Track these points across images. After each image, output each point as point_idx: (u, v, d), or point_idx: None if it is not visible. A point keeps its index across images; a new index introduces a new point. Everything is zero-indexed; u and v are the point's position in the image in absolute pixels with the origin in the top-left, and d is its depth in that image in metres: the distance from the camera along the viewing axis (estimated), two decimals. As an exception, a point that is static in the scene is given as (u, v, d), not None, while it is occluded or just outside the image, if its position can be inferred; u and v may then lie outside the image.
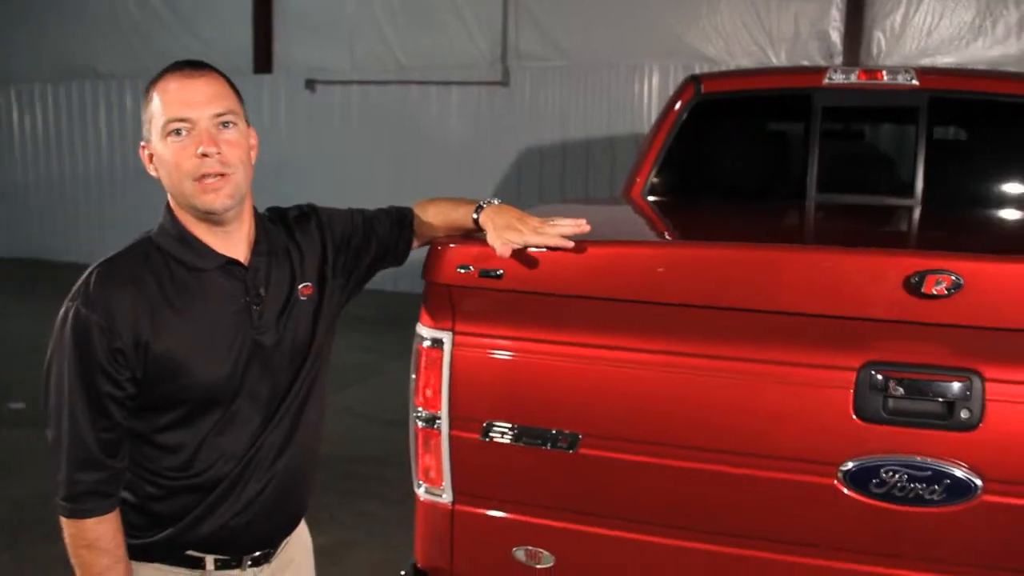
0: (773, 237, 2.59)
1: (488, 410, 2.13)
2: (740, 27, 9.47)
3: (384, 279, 2.47)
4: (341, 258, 2.03)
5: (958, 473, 1.86)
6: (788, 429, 1.94)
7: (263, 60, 11.29)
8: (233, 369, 1.79)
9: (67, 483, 1.73)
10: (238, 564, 1.89)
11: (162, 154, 1.74)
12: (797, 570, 2.01)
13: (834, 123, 4.02)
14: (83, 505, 1.73)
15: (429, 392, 2.17)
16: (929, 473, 1.87)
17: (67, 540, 1.76)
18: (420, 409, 2.19)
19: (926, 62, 8.99)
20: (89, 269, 1.75)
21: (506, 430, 2.11)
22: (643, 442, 2.03)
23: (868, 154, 4.41)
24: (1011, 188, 3.61)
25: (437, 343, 2.14)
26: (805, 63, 9.20)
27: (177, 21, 11.48)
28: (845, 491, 1.92)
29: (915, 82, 3.72)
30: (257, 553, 1.92)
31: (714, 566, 2.06)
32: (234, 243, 1.83)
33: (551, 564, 2.17)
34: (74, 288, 1.74)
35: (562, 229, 2.02)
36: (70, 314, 1.71)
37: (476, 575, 2.27)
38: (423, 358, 2.17)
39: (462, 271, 2.12)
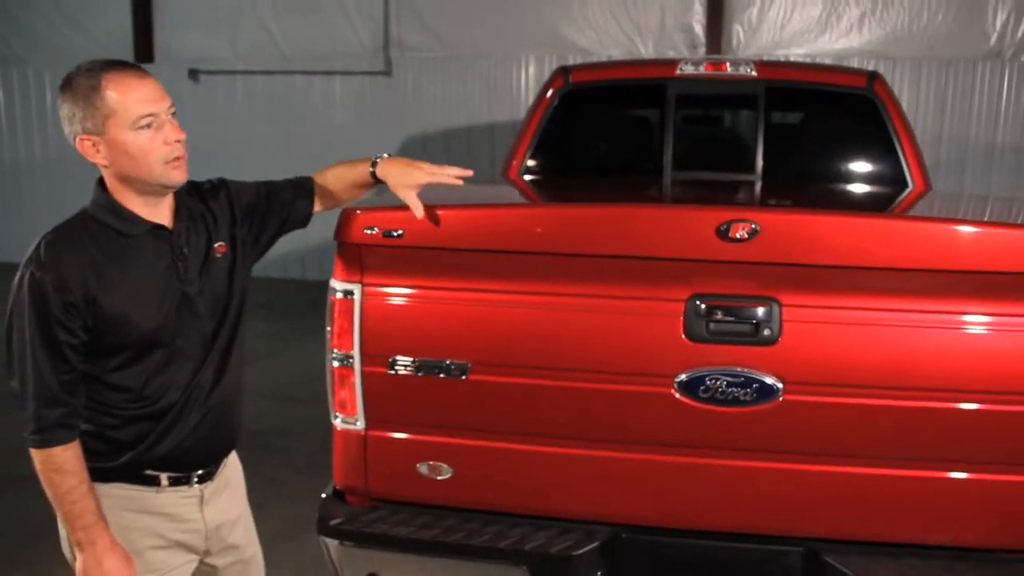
0: (621, 199, 3.08)
1: (393, 348, 2.56)
2: (610, 19, 9.97)
3: (273, 266, 2.82)
4: (247, 222, 2.38)
5: (765, 379, 2.40)
6: (634, 350, 2.44)
7: (144, 50, 11.16)
8: (167, 316, 2.13)
9: (35, 419, 2.04)
10: (187, 481, 2.25)
11: (127, 143, 2.05)
12: (645, 464, 2.52)
13: (686, 109, 4.53)
14: (50, 436, 2.04)
15: (343, 336, 2.58)
16: (743, 379, 2.40)
17: (38, 468, 2.07)
18: (335, 351, 2.60)
19: (780, 54, 9.73)
20: (36, 240, 2.07)
21: (408, 363, 2.54)
22: (520, 366, 2.50)
23: (716, 136, 4.97)
24: (834, 162, 4.21)
25: (349, 293, 2.56)
26: (671, 54, 9.79)
27: (56, 10, 11.30)
28: (679, 397, 2.43)
29: (754, 73, 4.28)
30: (201, 471, 2.27)
31: (581, 465, 2.56)
32: (161, 211, 2.18)
33: (450, 475, 2.62)
34: (25, 256, 2.04)
35: (451, 171, 2.51)
36: (26, 278, 2.02)
37: (386, 490, 2.70)
38: (337, 307, 2.58)
39: (368, 232, 2.54)
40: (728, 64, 4.41)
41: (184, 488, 2.25)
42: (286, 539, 4.07)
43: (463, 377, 2.52)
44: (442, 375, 2.53)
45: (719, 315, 2.40)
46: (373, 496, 2.71)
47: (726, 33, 9.84)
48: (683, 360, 2.42)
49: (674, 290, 2.42)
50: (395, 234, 2.52)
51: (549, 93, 4.34)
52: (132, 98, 2.05)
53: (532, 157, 4.21)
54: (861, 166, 4.17)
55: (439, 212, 2.52)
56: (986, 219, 2.82)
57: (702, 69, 4.34)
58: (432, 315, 2.54)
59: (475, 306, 2.51)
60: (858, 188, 4.03)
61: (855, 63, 9.19)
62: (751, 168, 4.05)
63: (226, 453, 2.38)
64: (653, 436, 2.50)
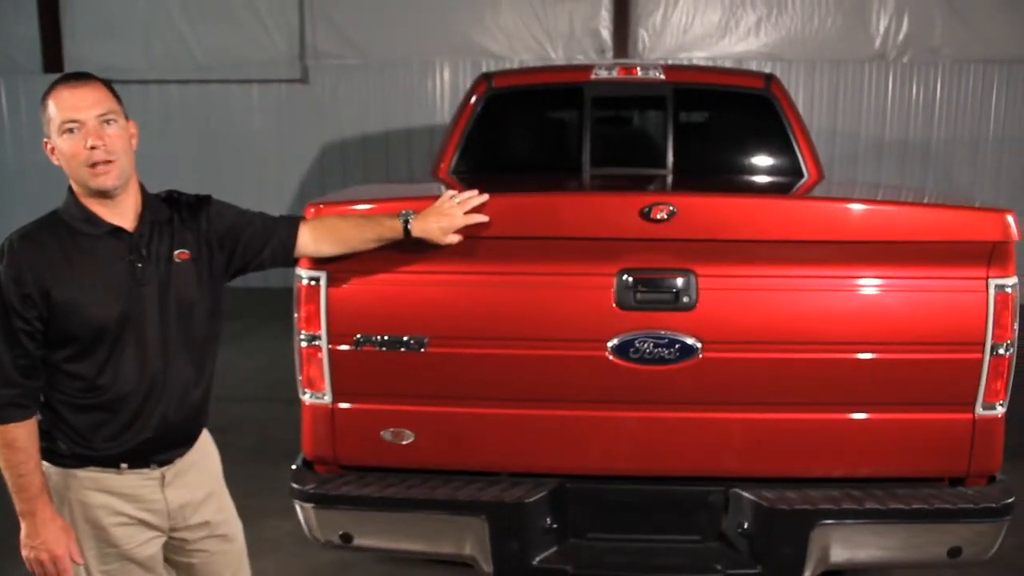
0: (557, 189, 3.43)
1: (357, 327, 2.85)
2: (521, 26, 10.30)
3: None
4: (224, 241, 2.50)
5: (686, 339, 2.77)
6: (573, 319, 2.80)
7: (53, 59, 10.94)
8: (118, 311, 2.27)
9: None
10: (146, 464, 2.39)
11: (61, 147, 2.24)
12: (585, 420, 2.88)
13: (601, 110, 4.87)
14: (4, 413, 2.23)
15: (311, 318, 2.86)
16: (667, 341, 2.77)
17: None
18: (303, 332, 2.87)
19: (683, 57, 10.22)
20: (7, 236, 2.27)
21: (371, 340, 2.84)
22: (472, 338, 2.83)
23: (630, 134, 5.33)
24: (737, 156, 4.62)
25: (315, 280, 2.83)
26: (581, 58, 10.19)
27: (-42, 19, 11.07)
28: (612, 359, 2.79)
29: (662, 76, 4.67)
30: (160, 457, 2.41)
31: (528, 424, 2.90)
32: (121, 212, 2.32)
33: (412, 440, 2.93)
34: None
35: (473, 203, 2.74)
36: None
37: (353, 457, 2.99)
38: (304, 293, 2.85)
39: (333, 223, 2.82)
40: (639, 68, 4.80)
41: (145, 471, 2.39)
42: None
43: (421, 350, 2.83)
44: (402, 349, 2.83)
45: (644, 286, 2.77)
46: (341, 464, 3.00)
47: (632, 38, 10.27)
48: (615, 326, 2.78)
49: (605, 266, 2.78)
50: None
51: (473, 98, 4.65)
52: (60, 105, 2.23)
53: (460, 158, 4.49)
54: (761, 159, 4.59)
55: (393, 205, 2.83)
56: (866, 199, 3.23)
57: (615, 73, 4.72)
58: (391, 296, 2.84)
59: (430, 287, 2.83)
60: (760, 178, 4.46)
61: (754, 65, 9.71)
62: (662, 163, 4.43)
63: (187, 444, 2.50)
64: (591, 394, 2.85)
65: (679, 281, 2.76)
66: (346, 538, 2.93)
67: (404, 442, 2.93)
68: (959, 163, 10.02)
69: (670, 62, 9.78)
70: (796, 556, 2.82)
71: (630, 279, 2.77)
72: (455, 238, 2.73)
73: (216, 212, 2.53)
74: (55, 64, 11.01)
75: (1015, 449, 3.49)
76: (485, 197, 2.77)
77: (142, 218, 2.37)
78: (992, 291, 2.75)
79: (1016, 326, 2.80)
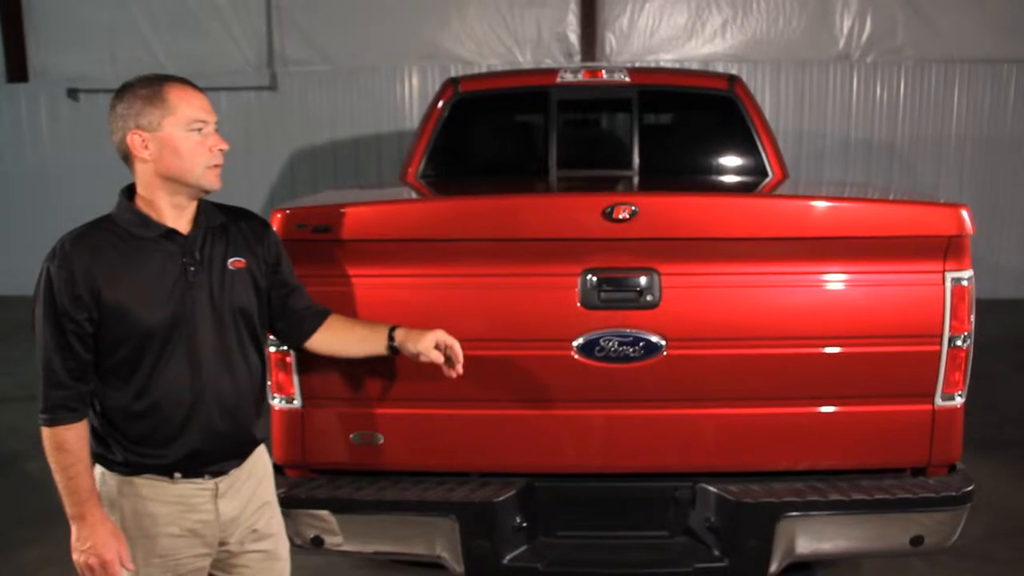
0: (520, 192, 3.46)
1: (325, 331, 2.86)
2: (489, 31, 10.38)
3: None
4: (269, 275, 2.49)
5: (650, 337, 2.81)
6: (538, 319, 2.83)
7: (17, 68, 10.95)
8: (169, 314, 2.26)
9: (43, 399, 2.22)
10: (200, 475, 2.35)
11: (182, 143, 2.24)
12: (552, 419, 2.91)
13: (567, 113, 4.92)
14: (54, 416, 2.21)
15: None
16: (631, 339, 2.81)
17: (44, 444, 2.23)
18: (272, 337, 2.88)
19: (650, 59, 10.33)
20: (60, 238, 2.25)
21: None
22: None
23: (596, 136, 5.39)
24: (703, 156, 4.68)
25: (282, 285, 2.84)
26: (549, 62, 10.27)
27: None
28: (578, 358, 2.83)
29: (627, 79, 4.72)
30: (215, 467, 2.37)
31: (496, 424, 2.93)
32: (180, 216, 2.33)
33: (381, 442, 2.95)
34: (48, 252, 2.23)
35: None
36: (44, 272, 2.21)
37: (324, 460, 3.00)
38: (271, 298, 2.86)
39: (299, 228, 2.84)
40: (604, 71, 4.85)
41: (198, 480, 2.36)
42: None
43: (388, 353, 2.84)
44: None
45: (608, 285, 2.81)
46: (312, 467, 3.01)
47: (599, 41, 10.37)
48: (580, 326, 2.82)
49: (569, 266, 2.81)
50: (324, 229, 2.83)
51: (440, 103, 4.69)
52: (190, 103, 2.26)
53: (428, 162, 4.53)
54: (726, 158, 4.65)
55: (361, 209, 2.85)
56: (824, 196, 3.29)
57: (580, 76, 4.77)
58: (359, 298, 2.85)
59: (397, 289, 2.85)
60: (724, 177, 4.52)
61: (720, 67, 9.83)
62: (628, 164, 4.49)
63: (241, 457, 2.45)
64: (557, 394, 2.88)
65: (642, 280, 2.80)
66: (318, 541, 2.94)
67: (374, 444, 2.95)
68: (923, 161, 10.20)
69: (637, 65, 9.86)
70: (762, 549, 2.87)
71: (594, 279, 2.80)
72: (432, 352, 2.60)
73: (274, 241, 2.55)
74: (19, 73, 10.99)
75: (976, 439, 3.58)
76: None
77: (197, 223, 2.37)
78: (949, 284, 2.81)
79: (973, 318, 2.86)
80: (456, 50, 10.43)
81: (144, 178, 2.30)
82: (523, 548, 2.94)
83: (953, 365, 2.86)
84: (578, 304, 2.81)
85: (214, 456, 2.37)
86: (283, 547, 2.59)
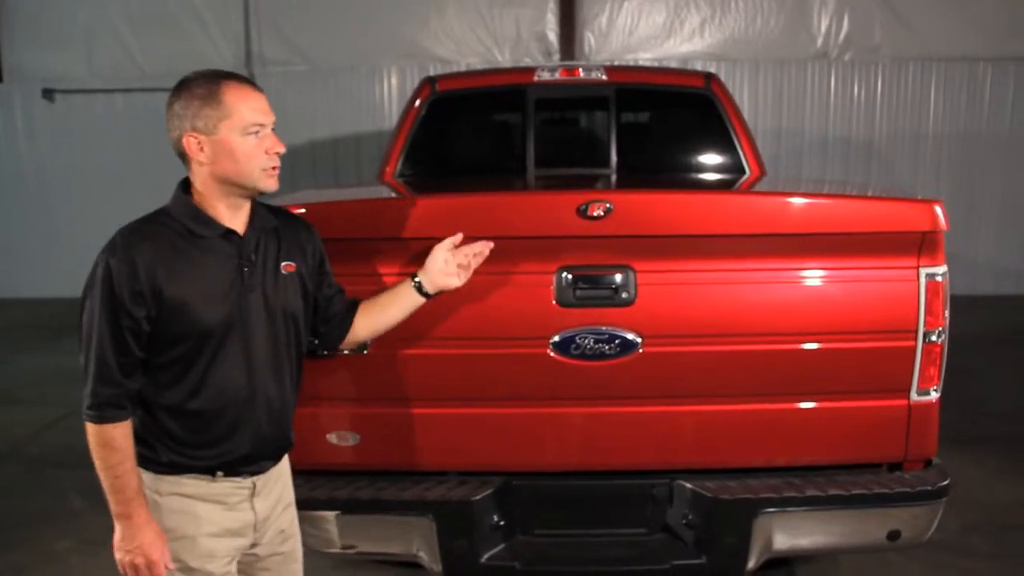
0: (495, 190, 3.45)
1: (300, 330, 2.84)
2: (468, 30, 10.37)
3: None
4: (315, 273, 2.49)
5: (626, 335, 2.81)
6: (513, 318, 2.82)
7: (-9, 68, 10.89)
8: (226, 314, 2.23)
9: (92, 395, 2.17)
10: (239, 473, 2.34)
11: (235, 145, 2.20)
12: (528, 417, 2.90)
13: (545, 112, 4.93)
14: (103, 413, 2.17)
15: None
16: (607, 336, 2.80)
17: (90, 441, 2.19)
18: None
19: (629, 58, 10.34)
20: (117, 231, 2.20)
21: (314, 344, 2.82)
22: (415, 338, 2.83)
23: (573, 135, 5.39)
24: (680, 154, 4.68)
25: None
26: (528, 61, 10.26)
27: None
28: (554, 356, 2.82)
29: (604, 77, 4.72)
30: (251, 467, 2.36)
31: (473, 423, 2.91)
32: (238, 217, 2.30)
33: (358, 442, 2.93)
34: (105, 245, 2.18)
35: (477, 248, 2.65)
36: (100, 264, 2.15)
37: (300, 460, 2.95)
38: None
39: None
40: (581, 69, 4.84)
41: (237, 479, 2.35)
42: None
43: (364, 352, 2.83)
44: (345, 352, 2.83)
45: (584, 283, 2.80)
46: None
47: (578, 40, 10.38)
48: (555, 323, 2.81)
49: (544, 264, 2.80)
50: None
51: (417, 102, 4.67)
52: (248, 106, 2.21)
53: (405, 161, 4.51)
54: (703, 156, 4.65)
55: (335, 207, 2.83)
56: (798, 193, 3.29)
57: (557, 75, 4.76)
58: (333, 299, 2.83)
59: (372, 288, 2.81)
60: (702, 174, 4.52)
61: (699, 65, 9.87)
62: (606, 163, 4.48)
63: (277, 458, 2.47)
64: (534, 392, 2.87)
65: (618, 277, 2.80)
66: (295, 542, 2.92)
67: (351, 444, 2.93)
68: (901, 158, 10.27)
69: (615, 63, 9.88)
70: (740, 545, 2.87)
71: (569, 276, 2.80)
72: (465, 275, 2.65)
73: (318, 244, 2.52)
74: (-7, 73, 10.86)
75: (953, 435, 3.61)
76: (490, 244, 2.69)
77: (252, 223, 2.34)
78: (923, 280, 2.82)
79: (947, 313, 2.87)
80: (435, 49, 10.42)
81: (200, 178, 2.27)
82: (501, 547, 2.93)
83: (928, 360, 2.87)
84: (553, 302, 2.80)
85: (256, 460, 2.37)
86: (300, 549, 2.60)
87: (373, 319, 2.64)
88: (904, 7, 9.99)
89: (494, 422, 2.91)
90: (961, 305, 3.08)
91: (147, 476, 2.28)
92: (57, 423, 6.17)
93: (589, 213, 2.72)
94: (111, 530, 2.25)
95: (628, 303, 2.80)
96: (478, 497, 2.86)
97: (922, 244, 2.82)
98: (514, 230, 2.80)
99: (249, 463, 2.35)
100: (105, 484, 2.21)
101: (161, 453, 2.28)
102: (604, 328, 2.80)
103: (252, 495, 2.38)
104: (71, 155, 10.67)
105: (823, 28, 10.17)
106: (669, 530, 2.97)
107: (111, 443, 2.18)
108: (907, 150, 10.27)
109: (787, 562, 3.89)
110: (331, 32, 10.38)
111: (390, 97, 10.52)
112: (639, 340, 2.81)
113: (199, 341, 2.23)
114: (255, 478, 2.38)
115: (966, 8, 9.89)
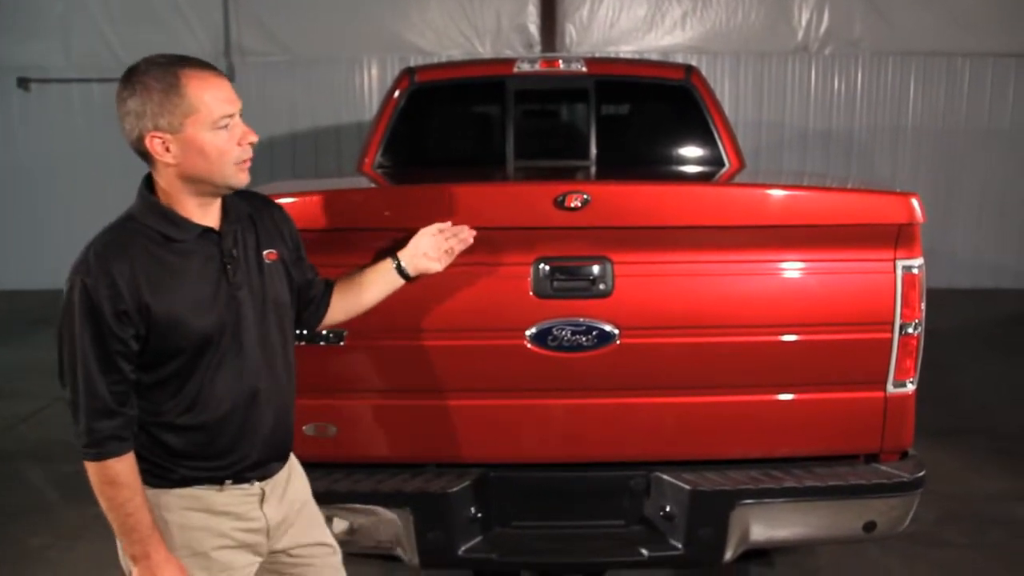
0: (472, 180, 3.39)
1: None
2: (448, 21, 10.33)
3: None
4: (294, 257, 2.34)
5: (603, 326, 2.80)
6: (490, 309, 2.80)
7: (-35, 57, 10.73)
8: (218, 318, 2.06)
9: (87, 432, 1.97)
10: (247, 480, 2.20)
11: (205, 143, 1.99)
12: (505, 409, 2.89)
13: (524, 103, 4.89)
14: (105, 449, 1.98)
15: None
16: (584, 328, 2.79)
17: (92, 480, 2.01)
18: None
19: (610, 51, 10.33)
20: (85, 247, 1.98)
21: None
22: (391, 330, 2.81)
23: (553, 126, 5.37)
24: (660, 146, 4.69)
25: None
26: (509, 53, 10.22)
27: None
28: (531, 347, 2.81)
29: (584, 69, 4.72)
30: (259, 471, 2.22)
31: (450, 414, 2.89)
32: (209, 213, 2.10)
33: (335, 433, 2.91)
34: (74, 264, 1.95)
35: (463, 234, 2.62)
36: (76, 287, 1.93)
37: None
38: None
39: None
40: (561, 61, 4.84)
41: (245, 486, 2.20)
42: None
43: (340, 343, 2.81)
44: (321, 343, 2.81)
45: (561, 274, 2.79)
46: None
47: (559, 32, 10.36)
48: (532, 315, 2.79)
49: (521, 255, 2.79)
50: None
51: (396, 93, 4.65)
52: (214, 96, 1.98)
53: (384, 152, 4.49)
54: (683, 148, 4.66)
55: (310, 198, 2.81)
56: (776, 185, 3.29)
57: (537, 67, 4.76)
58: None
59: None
60: (681, 166, 4.52)
61: (680, 58, 9.86)
62: (585, 155, 4.48)
63: (284, 458, 2.33)
64: (511, 383, 2.86)
65: (595, 268, 2.79)
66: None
67: (328, 436, 2.91)
68: (880, 152, 10.32)
69: (596, 55, 9.87)
70: (717, 536, 2.87)
71: (546, 267, 2.78)
72: (447, 260, 2.62)
73: (293, 227, 2.36)
74: (-34, 62, 10.71)
75: (930, 427, 3.62)
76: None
77: (227, 217, 2.15)
78: (900, 272, 2.82)
79: (923, 306, 2.88)
80: (416, 41, 10.37)
81: (166, 178, 2.06)
82: (478, 539, 2.92)
83: (904, 352, 2.88)
84: (531, 293, 2.79)
85: (263, 463, 2.23)
86: (332, 538, 2.49)
87: (350, 300, 2.54)
88: (884, 2, 10.03)
89: (471, 414, 2.89)
90: (938, 298, 3.08)
91: (150, 492, 2.09)
92: (32, 416, 6.10)
93: (566, 204, 2.71)
94: (86, 525, 2.16)
95: (605, 295, 2.79)
96: (455, 489, 2.84)
97: (899, 236, 2.83)
98: (491, 221, 2.78)
99: (257, 468, 2.21)
100: (115, 525, 2.04)
101: (162, 469, 2.12)
102: (581, 320, 2.79)
103: (262, 501, 2.23)
104: (47, 145, 10.54)
105: (804, 22, 10.20)
106: (647, 522, 2.97)
107: (116, 479, 2.00)
108: (886, 143, 10.33)
109: (765, 553, 3.90)
110: (311, 22, 10.30)
111: (370, 88, 10.46)
112: (616, 332, 2.80)
113: (193, 352, 2.06)
114: (263, 484, 2.24)
115: (945, 4, 9.94)
